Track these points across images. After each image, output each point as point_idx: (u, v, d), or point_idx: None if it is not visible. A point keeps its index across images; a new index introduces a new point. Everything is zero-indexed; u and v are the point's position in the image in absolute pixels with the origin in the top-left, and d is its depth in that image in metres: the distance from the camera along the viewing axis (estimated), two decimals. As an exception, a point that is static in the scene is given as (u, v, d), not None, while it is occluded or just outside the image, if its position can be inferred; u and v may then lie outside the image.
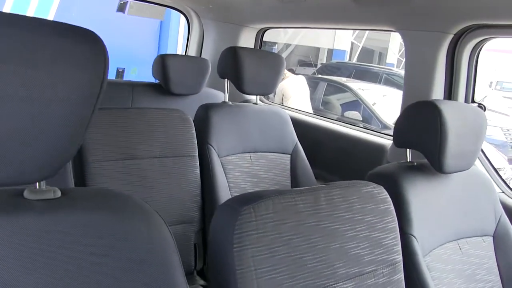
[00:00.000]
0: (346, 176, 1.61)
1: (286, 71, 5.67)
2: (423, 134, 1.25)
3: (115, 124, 1.65)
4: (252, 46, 2.66)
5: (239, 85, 1.90)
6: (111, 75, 4.43)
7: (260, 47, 2.70)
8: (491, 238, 1.41)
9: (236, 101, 2.13)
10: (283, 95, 5.36)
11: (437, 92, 1.76)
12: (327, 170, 2.23)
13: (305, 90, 5.43)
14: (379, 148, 2.03)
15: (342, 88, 6.30)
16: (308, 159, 2.07)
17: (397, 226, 1.06)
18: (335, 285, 0.92)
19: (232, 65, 1.91)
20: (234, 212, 0.84)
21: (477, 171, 1.48)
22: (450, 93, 1.77)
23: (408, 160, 1.35)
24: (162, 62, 2.25)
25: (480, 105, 1.77)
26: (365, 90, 6.26)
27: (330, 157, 2.27)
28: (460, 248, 1.33)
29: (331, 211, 0.94)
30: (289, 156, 2.02)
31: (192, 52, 2.84)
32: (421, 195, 1.25)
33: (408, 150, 1.34)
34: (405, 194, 1.20)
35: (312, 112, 4.13)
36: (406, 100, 1.82)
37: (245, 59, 1.89)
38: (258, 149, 1.96)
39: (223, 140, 1.86)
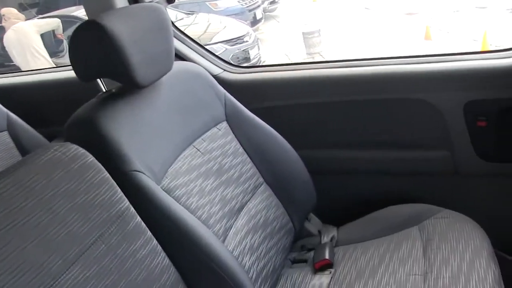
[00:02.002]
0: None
1: (4, 20, 4.85)
2: (99, 57, 1.09)
3: None
4: None
5: None
6: None
7: None
8: (225, 123, 1.39)
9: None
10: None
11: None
12: None
13: (35, 38, 4.77)
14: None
15: (72, 21, 5.74)
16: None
17: (107, 175, 0.93)
18: (55, 283, 0.77)
19: None
20: None
21: (186, 65, 1.40)
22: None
23: (105, 91, 1.19)
24: None
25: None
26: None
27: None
28: (198, 150, 1.28)
29: (5, 209, 0.75)
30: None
31: None
32: (131, 121, 1.12)
33: (99, 80, 1.18)
34: (109, 131, 1.05)
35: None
36: (91, 16, 1.60)
37: None
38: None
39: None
